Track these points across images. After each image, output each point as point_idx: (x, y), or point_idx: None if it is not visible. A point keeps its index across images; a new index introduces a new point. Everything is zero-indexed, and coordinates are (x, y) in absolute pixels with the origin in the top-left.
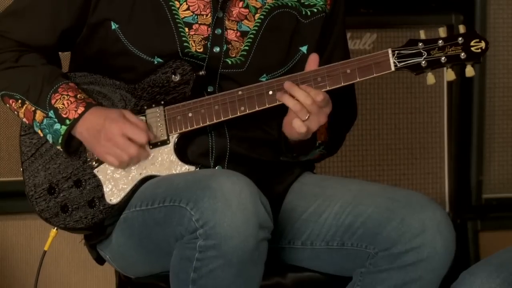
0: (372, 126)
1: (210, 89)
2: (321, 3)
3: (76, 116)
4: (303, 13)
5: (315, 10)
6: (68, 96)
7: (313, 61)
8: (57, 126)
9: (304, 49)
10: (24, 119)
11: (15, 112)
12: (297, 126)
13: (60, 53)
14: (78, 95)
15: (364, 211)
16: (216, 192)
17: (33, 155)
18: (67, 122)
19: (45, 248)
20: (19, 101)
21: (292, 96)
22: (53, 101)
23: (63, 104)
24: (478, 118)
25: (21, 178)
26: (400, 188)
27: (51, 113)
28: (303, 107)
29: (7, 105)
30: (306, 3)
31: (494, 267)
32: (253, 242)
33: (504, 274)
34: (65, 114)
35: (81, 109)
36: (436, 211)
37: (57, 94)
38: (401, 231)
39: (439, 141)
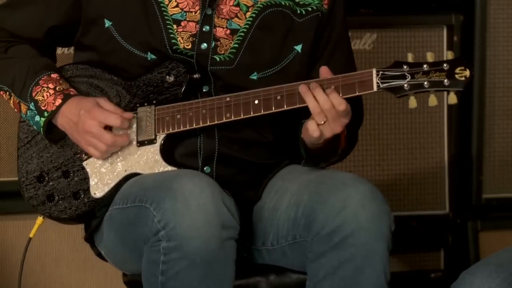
0: (372, 126)
1: (205, 89)
2: (317, 2)
3: (53, 108)
4: (298, 12)
5: (310, 9)
6: (48, 89)
7: (324, 73)
8: (37, 118)
9: (298, 48)
10: (15, 110)
11: (8, 103)
12: (311, 129)
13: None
14: (58, 87)
15: (301, 200)
16: (176, 193)
17: (29, 142)
18: (45, 114)
19: (31, 235)
20: (7, 93)
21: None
22: (34, 94)
23: (43, 96)
24: (478, 118)
25: None
26: (337, 172)
27: (31, 106)
28: (321, 111)
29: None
30: (301, 2)
31: (494, 267)
32: (216, 242)
33: (504, 274)
34: (44, 106)
35: (58, 101)
36: (359, 186)
37: (38, 87)
38: (325, 212)
39: (439, 141)
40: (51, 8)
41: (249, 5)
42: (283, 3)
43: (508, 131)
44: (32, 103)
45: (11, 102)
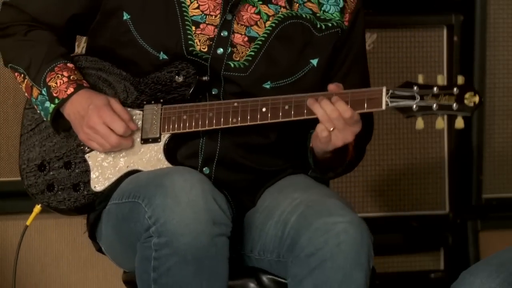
0: None
1: (214, 91)
2: (337, 18)
3: (65, 96)
4: (318, 26)
5: (330, 24)
6: (62, 76)
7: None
8: (47, 104)
9: (314, 62)
10: (26, 94)
11: (20, 86)
12: (319, 129)
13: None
14: (72, 76)
15: (289, 220)
16: (167, 189)
17: (32, 130)
18: (56, 101)
19: (27, 223)
20: (22, 75)
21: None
22: (47, 79)
23: (56, 83)
24: (478, 118)
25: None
26: (330, 198)
27: (44, 91)
28: (330, 119)
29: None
30: (321, 17)
31: (494, 267)
32: (206, 239)
33: (504, 274)
34: (56, 93)
35: (70, 90)
36: (346, 214)
37: (52, 73)
38: (308, 235)
39: (439, 141)
40: None
41: (270, 14)
42: (304, 16)
43: (508, 131)
44: (45, 89)
45: (24, 85)
